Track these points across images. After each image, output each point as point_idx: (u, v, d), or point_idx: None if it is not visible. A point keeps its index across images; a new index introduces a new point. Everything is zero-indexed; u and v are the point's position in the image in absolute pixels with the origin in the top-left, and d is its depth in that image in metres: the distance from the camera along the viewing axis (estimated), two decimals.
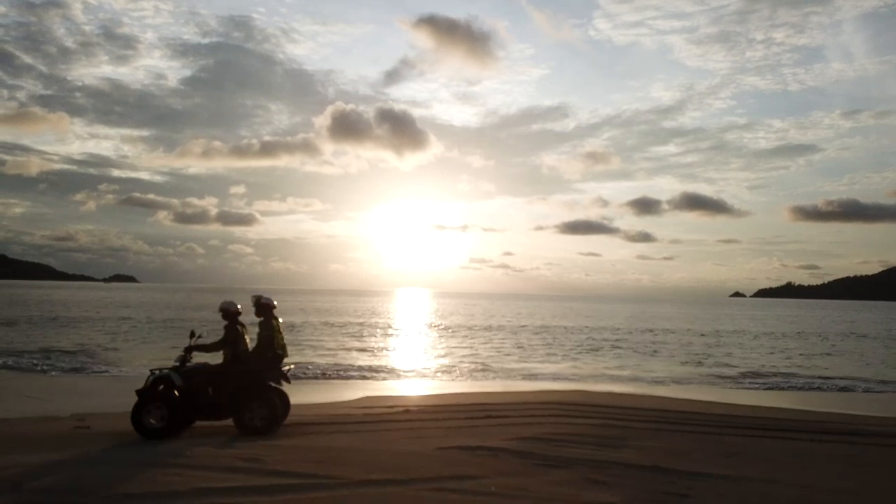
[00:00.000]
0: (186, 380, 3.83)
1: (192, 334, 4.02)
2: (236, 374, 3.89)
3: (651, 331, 18.57)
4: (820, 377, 8.96)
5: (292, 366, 4.12)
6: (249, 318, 4.06)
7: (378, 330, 16.50)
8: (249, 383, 3.88)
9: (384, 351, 11.23)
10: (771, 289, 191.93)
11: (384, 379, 7.89)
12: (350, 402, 5.79)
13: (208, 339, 4.07)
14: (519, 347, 12.42)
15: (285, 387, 4.03)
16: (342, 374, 8.13)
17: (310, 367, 8.52)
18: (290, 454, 3.01)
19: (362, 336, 14.44)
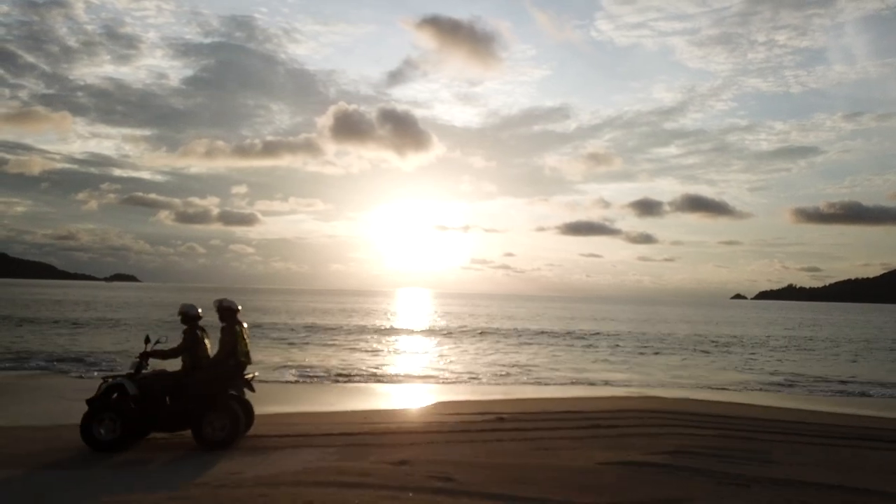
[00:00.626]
0: (141, 388, 3.52)
1: (148, 339, 3.74)
2: (195, 383, 3.58)
3: (672, 335, 18.43)
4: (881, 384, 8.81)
5: (256, 373, 3.85)
6: (210, 319, 3.85)
7: (405, 332, 16.24)
8: (209, 392, 3.55)
9: (423, 354, 11.03)
10: (772, 291, 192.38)
11: (441, 383, 7.64)
12: (427, 408, 5.61)
13: (168, 345, 3.78)
14: (559, 351, 12.27)
15: (249, 395, 3.80)
16: (388, 378, 7.90)
17: (360, 370, 8.36)
18: (469, 472, 2.82)
19: (393, 338, 14.27)
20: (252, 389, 3.72)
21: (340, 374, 8.08)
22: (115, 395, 3.51)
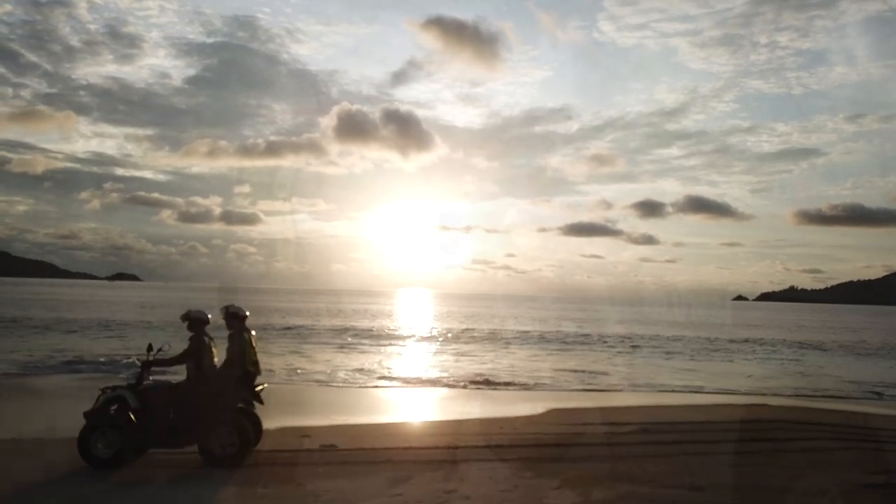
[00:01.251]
0: (143, 400, 3.27)
1: (150, 348, 3.42)
2: (201, 394, 3.33)
3: (716, 338, 18.27)
4: None
5: (265, 384, 3.59)
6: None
7: (444, 336, 15.93)
8: (216, 405, 3.32)
9: (479, 358, 10.81)
10: (774, 293, 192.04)
11: (524, 389, 7.46)
12: (541, 415, 5.45)
13: (172, 353, 3.50)
14: (611, 356, 12.11)
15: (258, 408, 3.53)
16: (461, 382, 7.73)
17: (446, 374, 8.21)
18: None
19: (438, 342, 14.09)
20: (261, 402, 3.46)
21: (423, 380, 7.93)
22: (114, 407, 3.26)
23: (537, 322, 23.79)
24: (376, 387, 7.31)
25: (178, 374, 3.50)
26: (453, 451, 3.68)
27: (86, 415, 3.20)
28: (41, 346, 10.23)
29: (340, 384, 7.38)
